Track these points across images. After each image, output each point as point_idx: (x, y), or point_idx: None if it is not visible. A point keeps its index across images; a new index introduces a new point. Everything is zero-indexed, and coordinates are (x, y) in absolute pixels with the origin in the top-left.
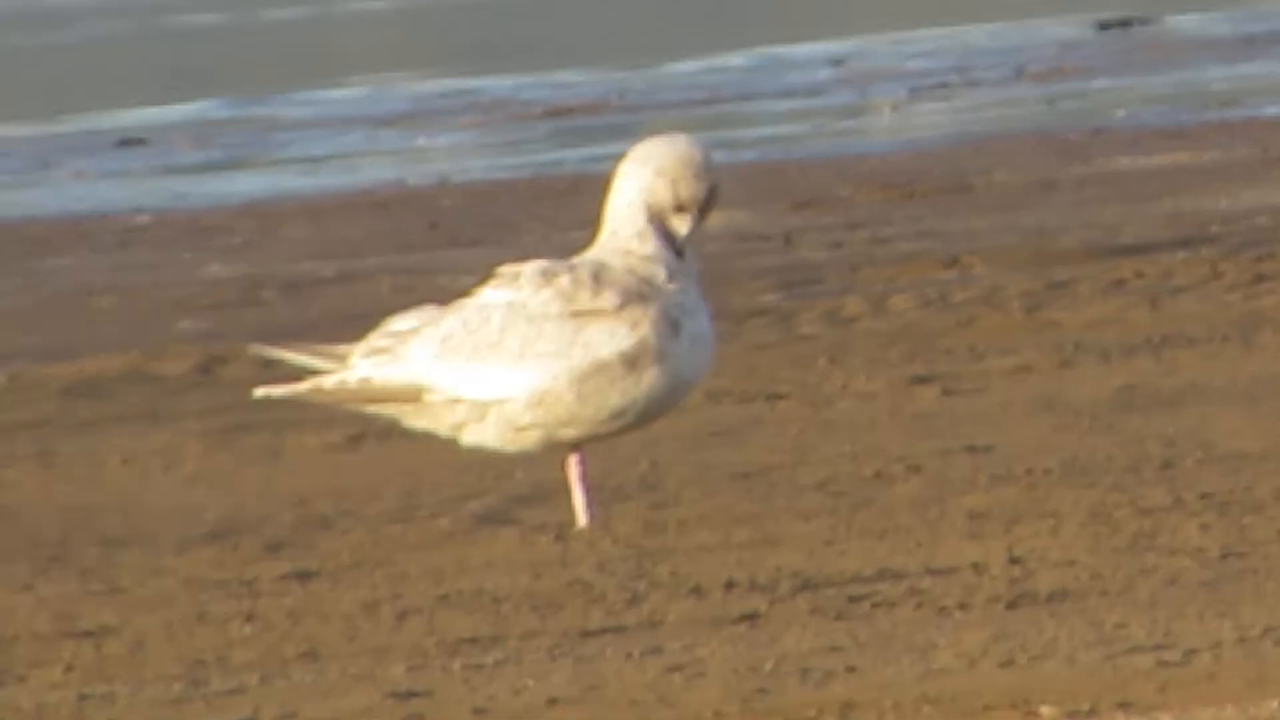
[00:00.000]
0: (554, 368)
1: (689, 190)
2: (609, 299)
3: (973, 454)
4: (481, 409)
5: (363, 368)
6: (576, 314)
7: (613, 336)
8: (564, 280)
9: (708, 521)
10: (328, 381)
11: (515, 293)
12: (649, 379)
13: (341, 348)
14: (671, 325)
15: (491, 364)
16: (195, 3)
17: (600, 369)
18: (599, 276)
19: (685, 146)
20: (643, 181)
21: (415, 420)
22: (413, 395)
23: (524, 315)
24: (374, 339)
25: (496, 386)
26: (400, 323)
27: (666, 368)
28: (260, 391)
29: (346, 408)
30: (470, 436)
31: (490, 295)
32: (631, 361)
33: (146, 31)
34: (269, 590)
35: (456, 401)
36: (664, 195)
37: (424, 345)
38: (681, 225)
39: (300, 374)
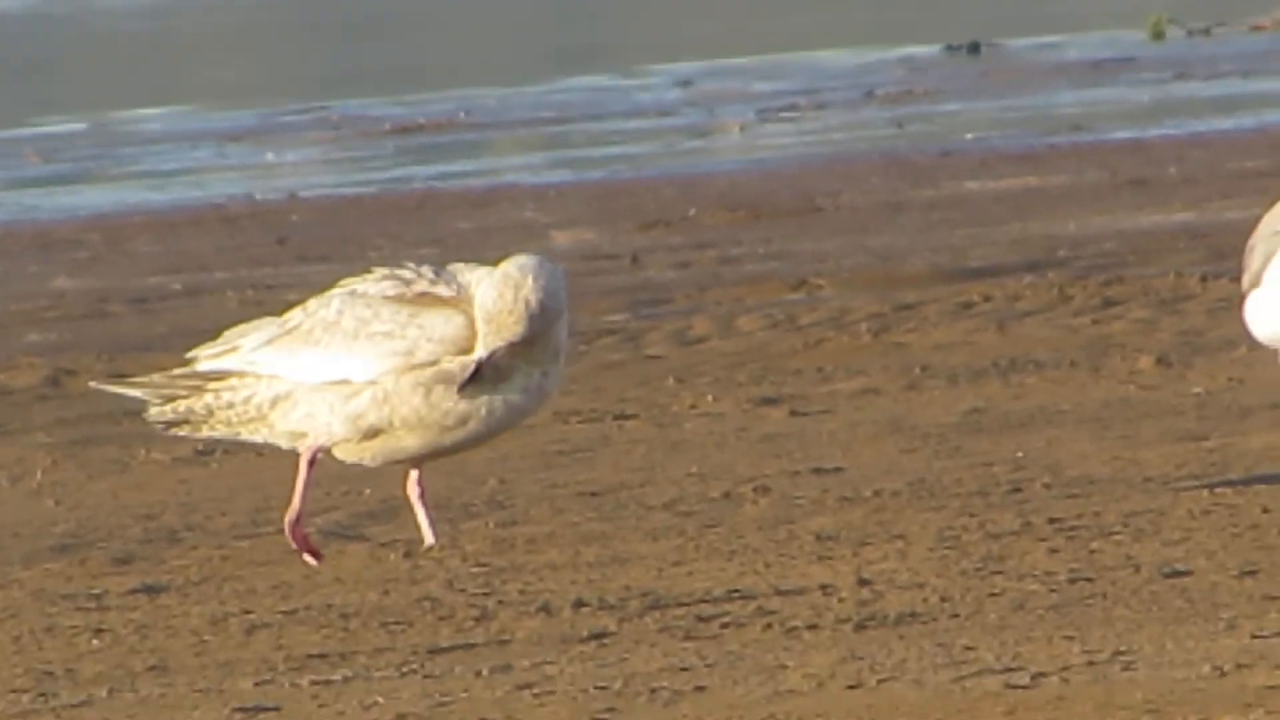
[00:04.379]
0: (389, 347)
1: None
2: (445, 289)
3: (820, 475)
4: (317, 390)
5: (202, 364)
6: (414, 299)
7: (448, 321)
8: (405, 271)
9: (556, 540)
10: (162, 376)
11: (359, 284)
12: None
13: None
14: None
15: (327, 347)
16: (40, 18)
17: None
18: (439, 271)
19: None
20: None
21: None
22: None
23: (362, 300)
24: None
25: (332, 369)
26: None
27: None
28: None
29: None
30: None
31: (335, 292)
32: (464, 349)
33: None
34: (117, 604)
35: (290, 391)
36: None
37: (260, 333)
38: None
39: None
